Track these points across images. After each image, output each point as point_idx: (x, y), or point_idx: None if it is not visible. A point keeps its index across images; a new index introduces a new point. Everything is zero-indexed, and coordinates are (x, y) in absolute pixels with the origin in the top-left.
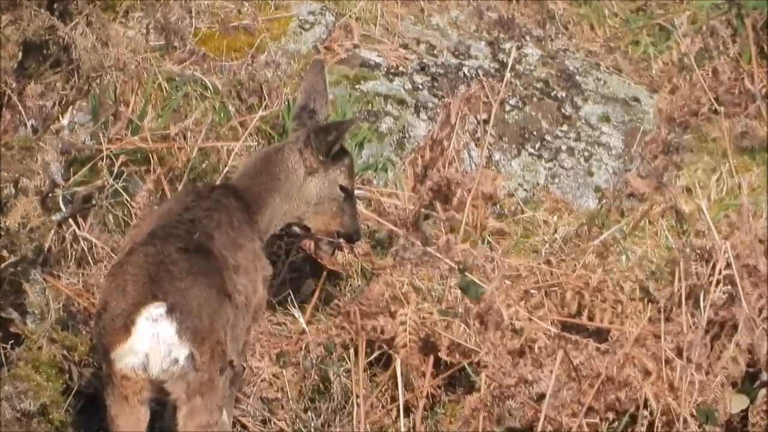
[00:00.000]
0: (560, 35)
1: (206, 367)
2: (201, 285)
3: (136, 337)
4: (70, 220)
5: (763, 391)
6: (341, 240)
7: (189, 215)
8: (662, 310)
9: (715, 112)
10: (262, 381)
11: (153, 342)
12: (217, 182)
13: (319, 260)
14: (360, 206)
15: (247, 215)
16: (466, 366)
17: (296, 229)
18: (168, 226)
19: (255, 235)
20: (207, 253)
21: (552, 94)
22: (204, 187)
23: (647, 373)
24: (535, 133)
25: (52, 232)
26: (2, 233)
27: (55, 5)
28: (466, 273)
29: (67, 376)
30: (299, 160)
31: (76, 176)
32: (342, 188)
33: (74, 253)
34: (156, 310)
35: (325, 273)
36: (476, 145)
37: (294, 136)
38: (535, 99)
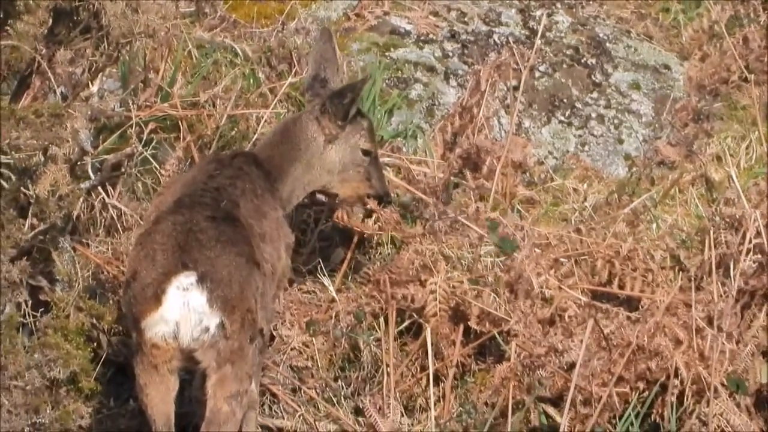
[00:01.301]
0: (591, 2)
1: (236, 336)
2: (230, 253)
3: (166, 306)
4: (99, 187)
5: None
6: (371, 203)
7: (214, 183)
8: (693, 278)
9: (746, 80)
10: (291, 349)
11: (184, 311)
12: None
13: (350, 225)
14: (390, 174)
15: (270, 183)
16: (496, 335)
17: (321, 197)
18: (194, 195)
19: (277, 204)
20: (235, 222)
21: (582, 61)
22: (225, 155)
23: (678, 342)
24: (565, 100)
25: (81, 199)
26: (31, 201)
27: None
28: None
29: (96, 344)
30: (318, 129)
31: (105, 143)
32: (364, 152)
33: (103, 220)
34: (186, 279)
35: (355, 241)
36: (506, 112)
37: (310, 106)
38: (565, 66)
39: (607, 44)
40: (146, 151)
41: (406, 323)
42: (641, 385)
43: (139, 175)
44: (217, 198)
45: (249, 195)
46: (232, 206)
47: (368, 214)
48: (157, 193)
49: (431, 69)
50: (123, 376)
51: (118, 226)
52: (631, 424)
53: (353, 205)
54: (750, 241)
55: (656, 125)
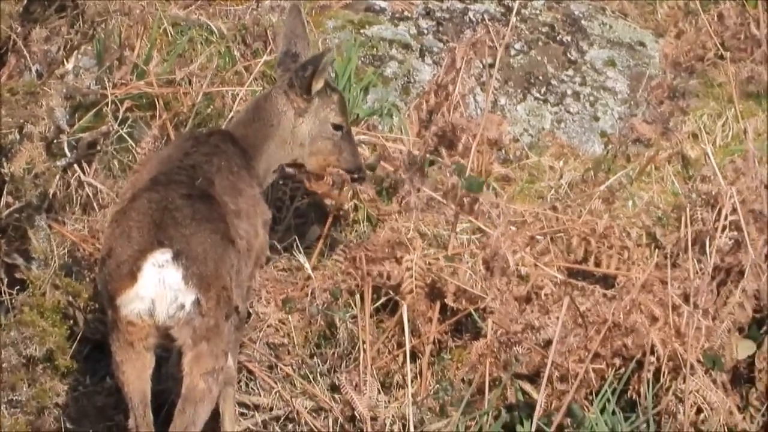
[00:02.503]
0: None
1: (212, 313)
2: (206, 231)
3: (142, 283)
4: (75, 165)
5: None
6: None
7: (189, 161)
8: (669, 255)
9: (721, 57)
10: (268, 327)
11: (159, 288)
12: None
13: (318, 191)
14: (365, 151)
15: (245, 161)
16: (473, 312)
17: (289, 169)
18: (170, 172)
19: (254, 181)
20: (210, 199)
21: (557, 38)
22: (202, 133)
23: (654, 319)
24: (540, 77)
25: (57, 177)
26: (7, 179)
27: None
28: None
29: (72, 321)
30: (287, 103)
31: (81, 121)
32: (335, 126)
33: (79, 198)
34: (162, 256)
35: (330, 218)
36: (481, 90)
37: (280, 81)
38: (540, 43)
39: (583, 21)
40: (122, 129)
41: (382, 300)
42: (617, 361)
43: (115, 153)
44: (193, 176)
45: (224, 172)
46: (208, 184)
47: (340, 187)
48: (132, 171)
49: (406, 46)
50: (99, 354)
51: (94, 204)
52: (608, 400)
53: (319, 177)
54: (726, 218)
55: (632, 102)
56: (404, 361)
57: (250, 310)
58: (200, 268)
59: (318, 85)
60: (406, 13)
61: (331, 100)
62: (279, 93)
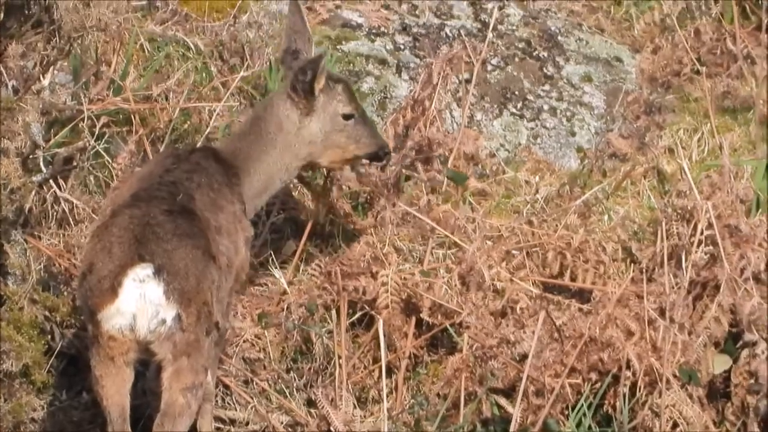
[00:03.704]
0: None
1: (193, 328)
2: (187, 246)
3: (123, 298)
4: (51, 181)
5: (745, 352)
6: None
7: (170, 177)
8: (644, 270)
9: (697, 72)
10: (244, 341)
11: (140, 303)
12: (198, 144)
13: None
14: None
15: (227, 177)
16: (448, 327)
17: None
18: (150, 188)
19: (235, 198)
20: (191, 215)
21: (534, 54)
22: (183, 150)
23: (630, 334)
24: (516, 93)
25: (33, 193)
26: None
27: None
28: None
29: (49, 336)
30: (291, 105)
31: (57, 137)
32: (345, 116)
33: (55, 214)
34: (143, 271)
35: (306, 233)
36: (458, 105)
37: (282, 83)
38: (517, 59)
39: (559, 37)
40: (98, 144)
41: (357, 315)
42: (593, 376)
43: (91, 168)
44: (174, 192)
45: (205, 189)
46: (188, 200)
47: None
48: (113, 187)
49: (383, 62)
50: (76, 369)
51: (70, 219)
52: (584, 415)
53: (341, 171)
54: (702, 233)
55: (608, 117)
56: (380, 376)
57: (228, 326)
58: (181, 283)
59: (320, 85)
60: (382, 28)
61: (336, 92)
62: (282, 97)
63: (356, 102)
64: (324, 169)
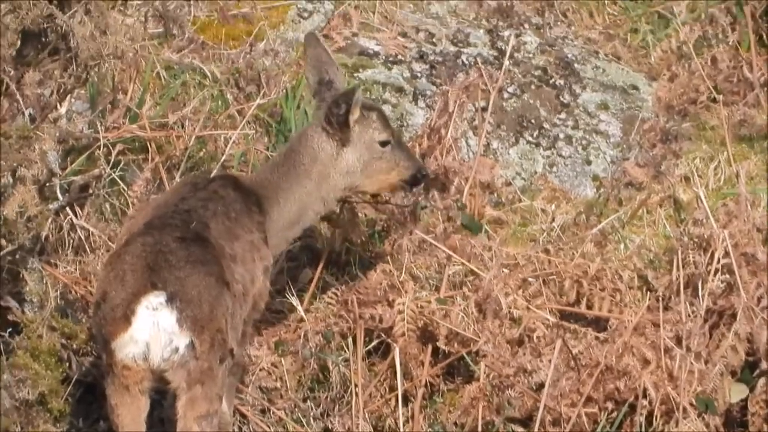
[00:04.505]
0: (559, 23)
1: (206, 356)
2: (200, 273)
3: (136, 326)
4: (68, 208)
5: (762, 380)
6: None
7: (185, 205)
8: (661, 298)
9: (714, 100)
10: (260, 370)
11: (153, 331)
12: (214, 172)
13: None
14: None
15: (246, 206)
16: (465, 355)
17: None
18: (164, 216)
19: (254, 227)
20: (204, 242)
21: (550, 81)
22: (202, 179)
23: (646, 362)
24: (533, 121)
25: (50, 220)
26: (0, 222)
27: None
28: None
29: (67, 364)
30: (326, 138)
31: (73, 165)
32: (382, 143)
33: (71, 241)
34: (156, 299)
35: (322, 261)
36: (474, 133)
37: (317, 114)
38: (533, 87)
39: (576, 65)
40: (114, 172)
41: (374, 343)
42: (610, 405)
43: (107, 196)
44: (187, 220)
45: (221, 217)
46: (202, 227)
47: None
48: (129, 216)
49: (400, 90)
50: (92, 397)
51: (87, 246)
52: None
53: (391, 196)
54: (718, 261)
55: (624, 146)
56: (396, 405)
57: (245, 355)
58: (194, 310)
59: (354, 116)
60: (399, 56)
61: (371, 120)
62: (316, 130)
63: (391, 128)
64: (369, 196)
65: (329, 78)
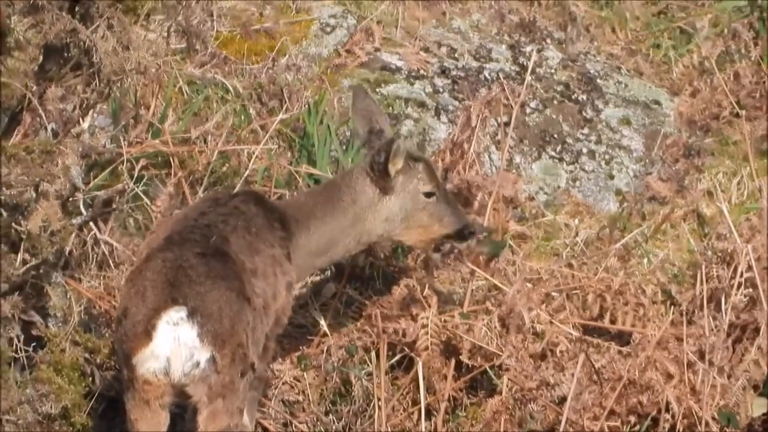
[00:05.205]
0: (581, 38)
1: (227, 370)
2: (220, 288)
3: (157, 341)
4: (91, 223)
5: None
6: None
7: (204, 220)
8: (684, 313)
9: (737, 115)
10: (283, 384)
11: (174, 346)
12: (237, 187)
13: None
14: None
15: (269, 222)
16: (488, 369)
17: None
18: (184, 231)
19: (276, 242)
20: (224, 257)
21: (573, 97)
22: (224, 194)
23: (669, 377)
24: (555, 136)
25: (73, 235)
26: (24, 237)
27: (77, 8)
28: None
29: (90, 379)
30: (370, 183)
31: (96, 180)
32: (426, 194)
33: (95, 256)
34: (177, 314)
35: (346, 275)
36: (497, 148)
37: (364, 160)
38: (555, 102)
39: (598, 80)
40: (137, 187)
41: (397, 357)
42: (632, 419)
43: (130, 211)
44: (207, 234)
45: (241, 231)
46: (222, 242)
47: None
48: (150, 231)
49: (422, 105)
50: (115, 411)
51: (110, 261)
52: None
53: (426, 251)
54: (741, 275)
55: (647, 161)
56: (419, 419)
57: (267, 370)
58: (215, 325)
59: (396, 166)
60: (421, 71)
61: (416, 171)
62: (361, 173)
63: (437, 180)
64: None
65: (379, 127)
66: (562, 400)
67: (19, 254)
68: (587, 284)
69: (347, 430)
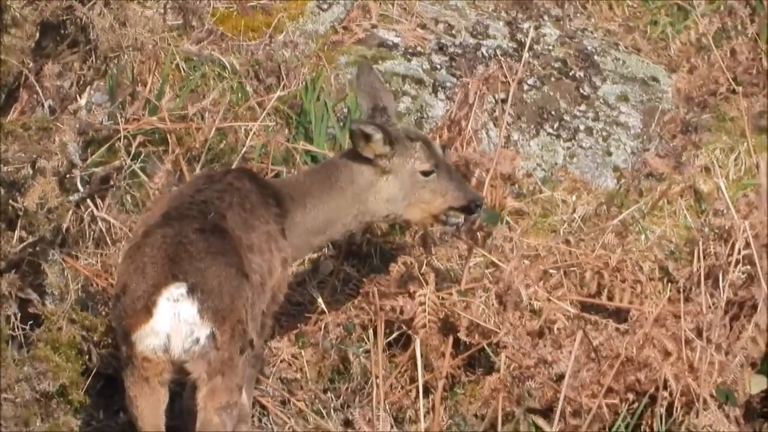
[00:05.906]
0: (578, 15)
1: (227, 347)
2: (220, 264)
3: (157, 318)
4: (88, 200)
5: None
6: (459, 220)
7: (201, 197)
8: (681, 290)
9: (734, 91)
10: (281, 362)
11: (174, 322)
12: (234, 164)
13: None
14: None
15: (263, 198)
16: (486, 346)
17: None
18: (181, 208)
19: (271, 218)
20: (223, 233)
21: (570, 73)
22: (218, 171)
23: (667, 354)
24: (553, 113)
25: (70, 212)
26: (20, 214)
27: None
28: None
29: (87, 357)
30: (366, 164)
31: (93, 156)
32: (424, 173)
33: (92, 233)
34: (177, 290)
35: (343, 253)
36: (494, 125)
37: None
38: (553, 79)
39: (595, 57)
40: (135, 164)
41: (395, 335)
42: (630, 396)
43: (127, 188)
44: (204, 211)
45: (236, 208)
46: (219, 218)
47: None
48: (145, 208)
49: (419, 82)
50: (113, 389)
51: (107, 238)
52: None
53: (429, 228)
54: (739, 252)
55: (644, 137)
56: (417, 396)
57: (265, 346)
58: (215, 301)
59: (375, 150)
60: (419, 48)
61: (413, 150)
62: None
63: (436, 157)
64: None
65: (383, 105)
66: (560, 377)
67: (16, 232)
68: (585, 261)
69: (345, 407)
